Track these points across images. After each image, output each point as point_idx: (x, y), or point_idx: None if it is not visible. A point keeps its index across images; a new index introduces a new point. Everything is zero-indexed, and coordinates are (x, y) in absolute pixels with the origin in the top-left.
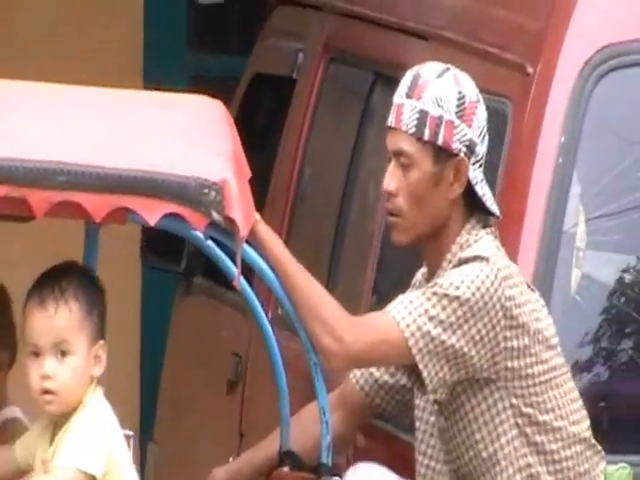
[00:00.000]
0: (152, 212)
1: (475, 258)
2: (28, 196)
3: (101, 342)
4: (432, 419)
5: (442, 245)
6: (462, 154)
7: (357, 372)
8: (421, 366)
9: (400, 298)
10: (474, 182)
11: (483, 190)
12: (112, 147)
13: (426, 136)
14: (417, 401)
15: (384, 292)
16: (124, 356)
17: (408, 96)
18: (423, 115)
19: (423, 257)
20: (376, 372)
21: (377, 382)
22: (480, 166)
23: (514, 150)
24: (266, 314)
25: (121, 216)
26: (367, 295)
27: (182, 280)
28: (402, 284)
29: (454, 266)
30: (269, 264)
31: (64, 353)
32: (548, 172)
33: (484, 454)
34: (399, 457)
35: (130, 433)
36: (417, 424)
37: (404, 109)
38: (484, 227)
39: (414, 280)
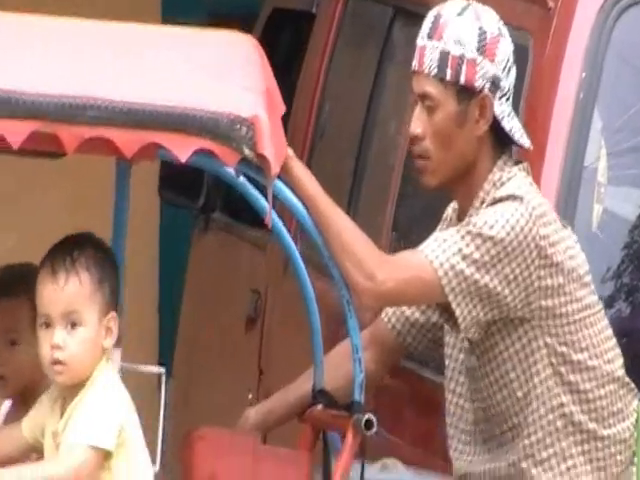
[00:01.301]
0: (183, 148)
1: (509, 197)
2: (59, 132)
3: (112, 314)
4: (462, 356)
5: (473, 184)
6: (486, 90)
7: (389, 311)
8: (454, 305)
9: (433, 236)
10: (501, 117)
11: (510, 124)
12: (143, 83)
13: (448, 76)
14: (447, 339)
15: (404, 227)
16: (143, 293)
17: (430, 37)
18: (444, 55)
19: (454, 197)
20: (407, 310)
21: (408, 320)
22: (507, 99)
23: (535, 85)
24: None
25: (151, 152)
26: (387, 230)
27: (200, 216)
28: (422, 219)
29: (488, 205)
30: (301, 200)
31: (74, 324)
32: (569, 107)
33: (519, 393)
34: (425, 397)
35: (162, 370)
36: (447, 362)
37: (426, 51)
38: (516, 163)
39: (445, 214)
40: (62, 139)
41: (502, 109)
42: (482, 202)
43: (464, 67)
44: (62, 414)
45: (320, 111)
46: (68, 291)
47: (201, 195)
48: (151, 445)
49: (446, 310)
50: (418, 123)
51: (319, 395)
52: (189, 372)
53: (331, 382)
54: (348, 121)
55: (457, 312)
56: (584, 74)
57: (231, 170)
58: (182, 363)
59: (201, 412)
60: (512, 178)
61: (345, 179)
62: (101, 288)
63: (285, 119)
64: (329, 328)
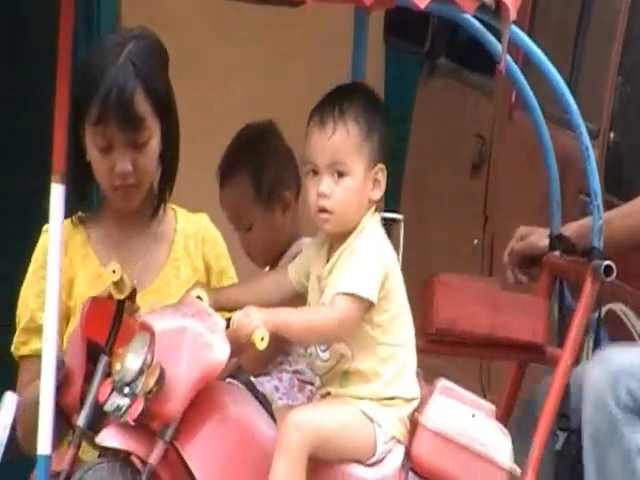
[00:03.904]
0: None
1: None
2: None
3: (380, 166)
4: None
5: None
6: None
7: None
8: None
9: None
10: None
11: None
12: None
13: None
14: None
15: (630, 70)
16: None
17: None
18: None
19: None
20: None
21: None
22: None
23: None
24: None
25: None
26: (612, 76)
27: (425, 62)
28: None
29: None
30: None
31: (340, 174)
32: None
33: None
34: None
35: (399, 216)
36: None
37: None
38: None
39: None
40: None
41: None
42: None
43: None
44: (328, 259)
45: None
46: (335, 141)
47: (426, 41)
48: None
49: None
50: None
51: (556, 241)
52: (415, 218)
53: (568, 228)
54: None
55: None
56: None
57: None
58: (408, 209)
59: (427, 257)
60: None
61: (570, 25)
62: (369, 140)
63: None
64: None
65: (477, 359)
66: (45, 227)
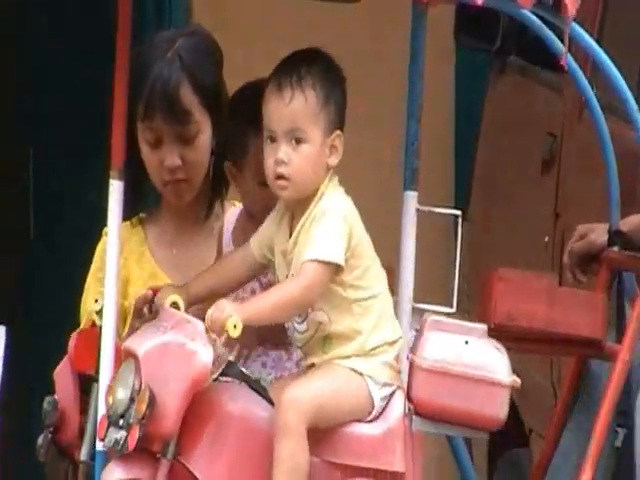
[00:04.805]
0: None
1: None
2: None
3: (337, 132)
4: None
5: None
6: None
7: None
8: None
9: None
10: None
11: None
12: None
13: None
14: None
15: None
16: (438, 136)
17: None
18: None
19: None
20: None
21: None
22: None
23: None
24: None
25: None
26: None
27: (496, 59)
28: None
29: None
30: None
31: (298, 140)
32: None
33: None
34: None
35: (457, 212)
36: None
37: None
38: None
39: None
40: None
41: None
42: None
43: None
44: (290, 233)
45: None
46: (293, 108)
47: (497, 38)
48: (445, 289)
49: None
50: None
51: (615, 236)
52: (486, 215)
53: (626, 223)
54: None
55: None
56: None
57: (527, 12)
58: (478, 206)
59: (497, 255)
60: None
61: None
62: (327, 106)
63: None
64: (624, 169)
65: (547, 356)
66: (105, 230)
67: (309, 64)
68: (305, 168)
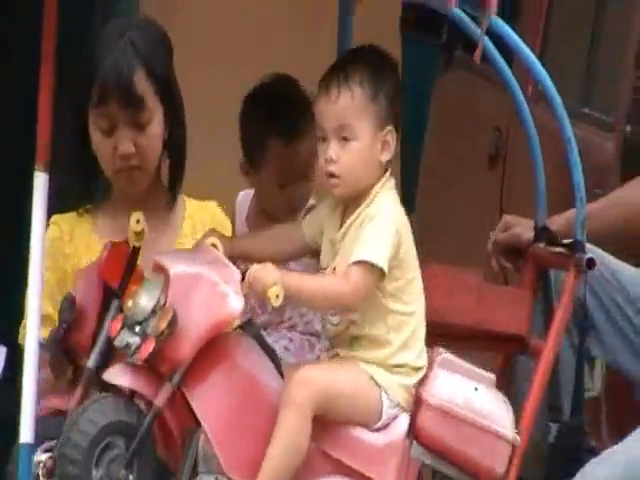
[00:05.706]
0: None
1: None
2: None
3: (389, 128)
4: None
5: None
6: None
7: None
8: None
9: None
10: None
11: None
12: None
13: None
14: None
15: None
16: None
17: None
18: None
19: None
20: None
21: None
22: None
23: None
24: (525, 91)
25: None
26: (629, 69)
27: (442, 54)
28: None
29: None
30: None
31: (347, 138)
32: None
33: None
34: None
35: None
36: None
37: None
38: None
39: None
40: None
41: None
42: None
43: None
44: (341, 224)
45: None
46: (340, 105)
47: (443, 32)
48: None
49: None
50: None
51: (541, 233)
52: (431, 208)
53: (551, 221)
54: None
55: None
56: None
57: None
58: (424, 199)
59: (442, 247)
60: None
61: (587, 18)
62: (375, 102)
63: None
64: (555, 162)
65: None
66: (52, 219)
67: (357, 61)
68: (355, 165)
